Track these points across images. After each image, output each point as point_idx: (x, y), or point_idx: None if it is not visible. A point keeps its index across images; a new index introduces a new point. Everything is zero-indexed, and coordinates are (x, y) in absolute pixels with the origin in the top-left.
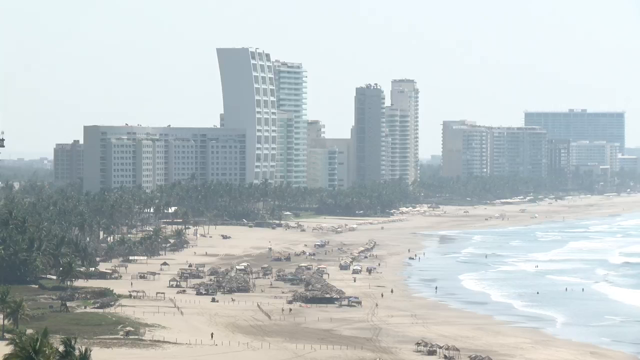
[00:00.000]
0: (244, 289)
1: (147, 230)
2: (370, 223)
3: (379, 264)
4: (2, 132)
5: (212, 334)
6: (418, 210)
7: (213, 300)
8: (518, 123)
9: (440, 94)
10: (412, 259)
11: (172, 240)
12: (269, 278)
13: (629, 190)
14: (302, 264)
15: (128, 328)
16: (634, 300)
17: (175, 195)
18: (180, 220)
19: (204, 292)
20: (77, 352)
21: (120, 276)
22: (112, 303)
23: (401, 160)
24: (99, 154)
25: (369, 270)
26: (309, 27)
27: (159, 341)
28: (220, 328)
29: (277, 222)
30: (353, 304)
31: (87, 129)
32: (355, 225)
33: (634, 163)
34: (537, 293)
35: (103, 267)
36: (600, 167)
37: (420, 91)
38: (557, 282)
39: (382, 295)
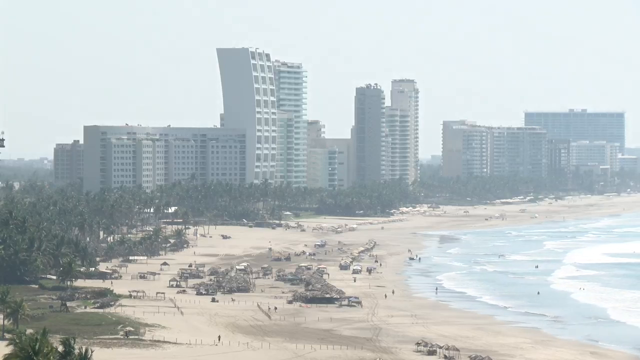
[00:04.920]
0: (244, 289)
1: (147, 230)
2: (370, 223)
3: (380, 264)
4: (2, 132)
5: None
6: (418, 210)
7: (213, 300)
8: (518, 123)
9: (440, 94)
10: (412, 259)
11: (172, 240)
12: (269, 278)
13: (629, 190)
14: (302, 264)
15: (128, 328)
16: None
17: (175, 195)
18: (180, 220)
19: (204, 292)
20: (77, 352)
21: (120, 276)
22: (112, 303)
23: (401, 160)
24: (99, 154)
25: (369, 270)
26: (309, 27)
27: (159, 341)
28: (220, 328)
29: (277, 222)
30: (353, 304)
31: (87, 129)
32: (355, 225)
33: (634, 163)
34: (538, 293)
35: (103, 267)
36: (600, 167)
37: (420, 91)
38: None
39: (385, 297)
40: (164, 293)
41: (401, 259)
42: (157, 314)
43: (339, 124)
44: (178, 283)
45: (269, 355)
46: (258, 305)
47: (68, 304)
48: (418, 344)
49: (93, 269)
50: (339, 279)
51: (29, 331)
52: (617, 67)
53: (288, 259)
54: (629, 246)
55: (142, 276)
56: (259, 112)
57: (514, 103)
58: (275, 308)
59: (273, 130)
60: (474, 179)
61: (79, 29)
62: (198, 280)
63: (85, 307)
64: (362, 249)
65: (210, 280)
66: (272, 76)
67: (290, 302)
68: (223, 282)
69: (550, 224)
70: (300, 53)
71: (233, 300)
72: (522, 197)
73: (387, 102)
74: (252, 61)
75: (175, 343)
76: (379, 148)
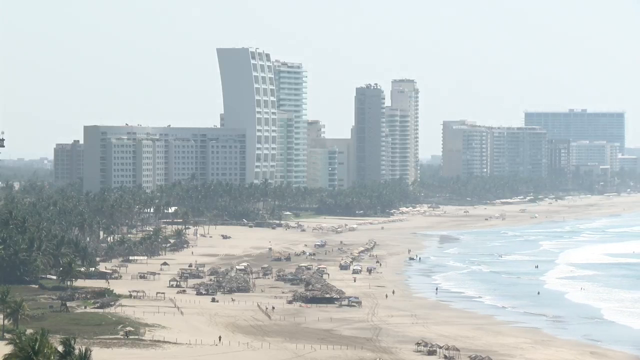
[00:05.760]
0: (244, 289)
1: (147, 230)
2: (370, 223)
3: (379, 264)
4: (2, 132)
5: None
6: (418, 210)
7: (213, 300)
8: (518, 123)
9: (440, 94)
10: (413, 259)
11: (172, 240)
12: (269, 278)
13: (629, 190)
14: (302, 264)
15: (128, 328)
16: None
17: (175, 195)
18: (180, 220)
19: (204, 292)
20: (77, 352)
21: (120, 276)
22: (112, 303)
23: (401, 160)
24: (99, 154)
25: (369, 270)
26: (309, 27)
27: (159, 341)
28: (220, 328)
29: (277, 222)
30: (353, 304)
31: (87, 129)
32: (355, 225)
33: (634, 163)
34: (538, 293)
35: (103, 267)
36: (600, 167)
37: (420, 91)
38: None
39: (386, 297)
40: (164, 293)
41: (401, 259)
42: (157, 314)
43: (339, 124)
44: (178, 283)
45: (269, 355)
46: (258, 305)
47: (68, 304)
48: (418, 344)
49: (93, 269)
50: (339, 279)
51: (29, 331)
52: (617, 67)
53: (288, 259)
54: (627, 246)
55: (142, 276)
56: (259, 112)
57: (514, 103)
58: (273, 308)
59: (273, 130)
60: (474, 179)
61: (79, 29)
62: (198, 280)
63: (85, 307)
64: (362, 249)
65: (210, 280)
66: (272, 76)
67: (290, 302)
68: (223, 282)
69: (550, 224)
70: (300, 53)
71: (233, 300)
72: (522, 197)
73: (387, 102)
74: (252, 61)
75: (175, 343)
76: (379, 148)
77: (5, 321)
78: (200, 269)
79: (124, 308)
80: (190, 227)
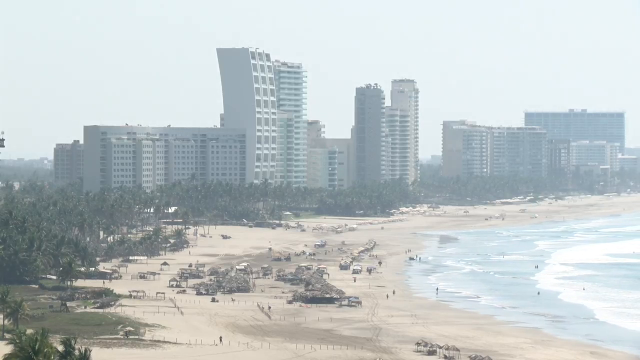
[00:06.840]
0: (244, 289)
1: (147, 230)
2: (370, 223)
3: (380, 264)
4: (2, 132)
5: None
6: (418, 210)
7: (213, 300)
8: (518, 123)
9: (440, 94)
10: (413, 259)
11: (172, 240)
12: (269, 278)
13: (629, 190)
14: (302, 264)
15: (128, 328)
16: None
17: (175, 195)
18: (180, 220)
19: (204, 292)
20: (77, 352)
21: (120, 276)
22: (112, 303)
23: (401, 160)
24: (99, 154)
25: (369, 270)
26: (309, 27)
27: (159, 341)
28: (220, 328)
29: (277, 222)
30: (353, 304)
31: (87, 129)
32: (355, 225)
33: (634, 163)
34: (538, 293)
35: (103, 267)
36: (600, 167)
37: (420, 91)
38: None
39: (386, 297)
40: (164, 293)
41: (401, 259)
42: (157, 314)
43: (339, 124)
44: (178, 283)
45: (269, 355)
46: (258, 305)
47: (68, 304)
48: (418, 344)
49: (93, 269)
50: (339, 279)
51: (29, 331)
52: (617, 67)
53: (288, 259)
54: (627, 246)
55: (142, 276)
56: (259, 112)
57: (514, 103)
58: (270, 307)
59: (273, 130)
60: (474, 179)
61: (79, 29)
62: (198, 280)
63: (85, 307)
64: (362, 249)
65: (210, 280)
66: (272, 76)
67: (290, 302)
68: (223, 282)
69: (550, 224)
70: (300, 53)
71: (233, 300)
72: (522, 197)
73: (387, 102)
74: (252, 61)
75: (175, 343)
76: (379, 148)
77: (5, 321)
78: (200, 269)
79: (124, 308)
80: (190, 227)
